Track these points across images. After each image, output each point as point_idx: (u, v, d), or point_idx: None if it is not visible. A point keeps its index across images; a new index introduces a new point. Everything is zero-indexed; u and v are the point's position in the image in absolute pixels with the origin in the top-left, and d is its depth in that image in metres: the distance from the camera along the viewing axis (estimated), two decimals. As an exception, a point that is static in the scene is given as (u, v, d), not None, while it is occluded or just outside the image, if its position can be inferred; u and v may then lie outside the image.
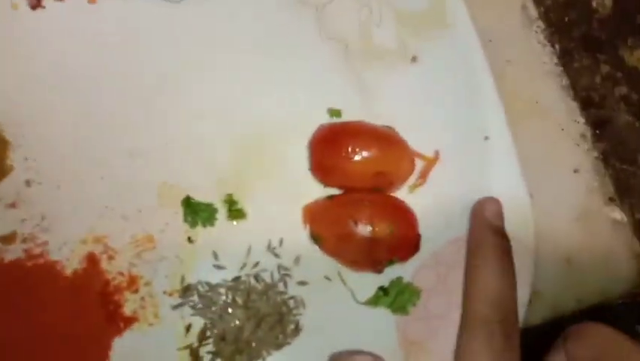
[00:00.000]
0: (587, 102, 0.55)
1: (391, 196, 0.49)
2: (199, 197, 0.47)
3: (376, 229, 0.46)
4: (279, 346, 0.45)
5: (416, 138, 0.50)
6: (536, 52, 0.56)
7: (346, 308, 0.47)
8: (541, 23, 0.57)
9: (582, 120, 0.55)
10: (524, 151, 0.51)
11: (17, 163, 0.46)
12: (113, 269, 0.46)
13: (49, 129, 0.47)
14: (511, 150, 0.50)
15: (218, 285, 0.46)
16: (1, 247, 0.45)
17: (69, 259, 0.45)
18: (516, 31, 0.57)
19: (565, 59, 0.56)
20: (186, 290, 0.46)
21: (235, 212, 0.48)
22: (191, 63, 0.50)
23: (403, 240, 0.47)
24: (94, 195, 0.47)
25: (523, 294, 0.47)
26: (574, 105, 0.55)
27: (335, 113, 0.50)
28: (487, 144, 0.50)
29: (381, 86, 0.51)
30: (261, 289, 0.46)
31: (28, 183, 0.46)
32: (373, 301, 0.47)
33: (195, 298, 0.46)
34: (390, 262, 0.47)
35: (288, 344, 0.46)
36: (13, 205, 0.46)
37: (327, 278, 0.47)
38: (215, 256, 0.47)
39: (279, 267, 0.47)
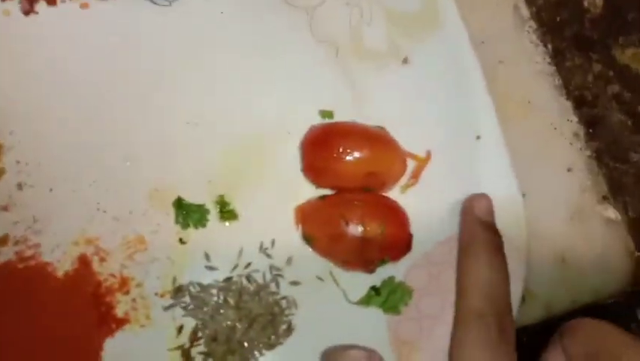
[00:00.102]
0: (579, 101, 0.55)
1: (383, 196, 0.49)
2: (190, 198, 0.48)
3: (368, 228, 0.46)
4: (271, 346, 0.45)
5: (408, 138, 0.50)
6: (529, 52, 0.56)
7: (338, 308, 0.47)
8: (533, 23, 0.57)
9: (575, 119, 0.55)
10: (518, 150, 0.51)
11: (9, 166, 0.47)
12: (104, 271, 0.46)
13: (41, 133, 0.48)
14: (502, 149, 0.50)
15: (209, 286, 0.46)
16: (-7, 250, 0.45)
17: (61, 261, 0.46)
18: (508, 32, 0.57)
19: (557, 58, 0.56)
20: (178, 291, 0.46)
21: (227, 213, 0.48)
22: (183, 66, 0.50)
23: (395, 240, 0.47)
24: (85, 197, 0.47)
25: (515, 293, 0.47)
26: (567, 104, 0.55)
27: (327, 114, 0.50)
28: (479, 143, 0.50)
29: (373, 87, 0.51)
30: (253, 289, 0.46)
31: (20, 186, 0.47)
32: (365, 301, 0.47)
33: (187, 299, 0.46)
34: (382, 262, 0.47)
35: (281, 344, 0.46)
36: (5, 208, 0.46)
37: (320, 278, 0.47)
38: (207, 257, 0.47)
39: (271, 267, 0.47)
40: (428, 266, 0.47)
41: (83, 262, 0.46)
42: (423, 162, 0.50)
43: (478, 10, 0.55)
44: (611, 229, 0.52)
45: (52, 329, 0.44)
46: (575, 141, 0.54)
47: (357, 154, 0.48)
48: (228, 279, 0.46)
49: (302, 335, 0.46)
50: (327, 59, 0.52)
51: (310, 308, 0.47)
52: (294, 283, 0.47)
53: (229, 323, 0.45)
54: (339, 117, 0.50)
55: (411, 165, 0.50)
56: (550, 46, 0.57)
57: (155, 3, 0.51)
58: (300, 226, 0.48)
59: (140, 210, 0.47)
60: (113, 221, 0.47)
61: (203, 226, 0.47)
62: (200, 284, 0.46)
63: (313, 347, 0.45)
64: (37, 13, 0.50)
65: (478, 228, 0.46)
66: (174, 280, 0.46)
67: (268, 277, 0.47)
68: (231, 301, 0.46)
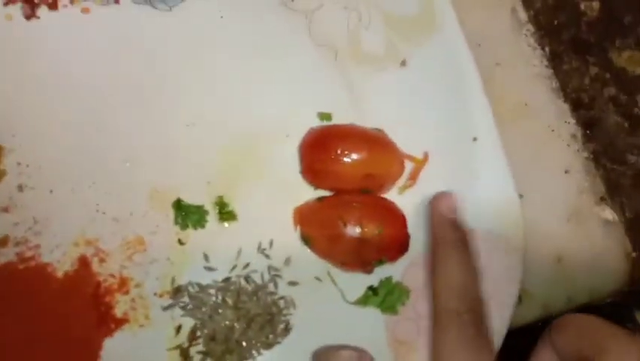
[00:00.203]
0: (577, 103, 0.55)
1: (381, 197, 0.49)
2: (190, 199, 0.48)
3: (365, 229, 0.47)
4: (269, 345, 0.46)
5: (405, 140, 0.50)
6: (526, 55, 0.57)
7: (336, 308, 0.47)
8: (530, 26, 0.57)
9: (573, 121, 0.55)
10: (515, 152, 0.51)
11: (10, 168, 0.47)
12: (104, 271, 0.46)
13: (41, 135, 0.48)
14: (499, 150, 0.50)
15: (208, 286, 0.46)
16: (-7, 251, 0.46)
17: (61, 262, 0.46)
18: (506, 35, 0.57)
19: (554, 61, 0.57)
20: (177, 291, 0.46)
21: (226, 214, 0.48)
22: (183, 69, 0.51)
23: (393, 240, 0.48)
24: (85, 198, 0.47)
25: (512, 293, 0.47)
26: (564, 107, 0.56)
27: (325, 116, 0.51)
28: (476, 145, 0.50)
29: (371, 89, 0.52)
30: (251, 289, 0.47)
31: (20, 187, 0.47)
32: (363, 301, 0.47)
33: (186, 299, 0.46)
34: (380, 263, 0.47)
35: (278, 343, 0.46)
36: (5, 209, 0.46)
37: (318, 279, 0.48)
38: (206, 257, 0.47)
39: (270, 268, 0.47)
40: (426, 266, 0.48)
41: (83, 262, 0.46)
42: (420, 164, 0.50)
43: (475, 13, 0.56)
44: (608, 230, 0.53)
45: (51, 329, 0.44)
46: (573, 143, 0.55)
47: (355, 156, 0.48)
48: (227, 279, 0.47)
49: (300, 334, 0.46)
50: (325, 62, 0.52)
51: (308, 308, 0.47)
52: (292, 283, 0.47)
53: (227, 322, 0.46)
54: (338, 119, 0.51)
55: (409, 166, 0.50)
56: (547, 49, 0.57)
57: (156, 8, 0.51)
58: (298, 227, 0.48)
59: (140, 212, 0.48)
60: (112, 222, 0.47)
61: (202, 226, 0.48)
62: (198, 284, 0.46)
63: (311, 347, 0.46)
64: (38, 17, 0.50)
65: (444, 226, 0.46)
66: (173, 280, 0.46)
67: (266, 277, 0.47)
68: (230, 301, 0.46)
